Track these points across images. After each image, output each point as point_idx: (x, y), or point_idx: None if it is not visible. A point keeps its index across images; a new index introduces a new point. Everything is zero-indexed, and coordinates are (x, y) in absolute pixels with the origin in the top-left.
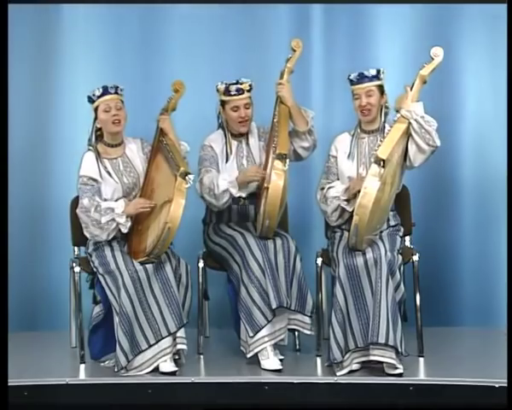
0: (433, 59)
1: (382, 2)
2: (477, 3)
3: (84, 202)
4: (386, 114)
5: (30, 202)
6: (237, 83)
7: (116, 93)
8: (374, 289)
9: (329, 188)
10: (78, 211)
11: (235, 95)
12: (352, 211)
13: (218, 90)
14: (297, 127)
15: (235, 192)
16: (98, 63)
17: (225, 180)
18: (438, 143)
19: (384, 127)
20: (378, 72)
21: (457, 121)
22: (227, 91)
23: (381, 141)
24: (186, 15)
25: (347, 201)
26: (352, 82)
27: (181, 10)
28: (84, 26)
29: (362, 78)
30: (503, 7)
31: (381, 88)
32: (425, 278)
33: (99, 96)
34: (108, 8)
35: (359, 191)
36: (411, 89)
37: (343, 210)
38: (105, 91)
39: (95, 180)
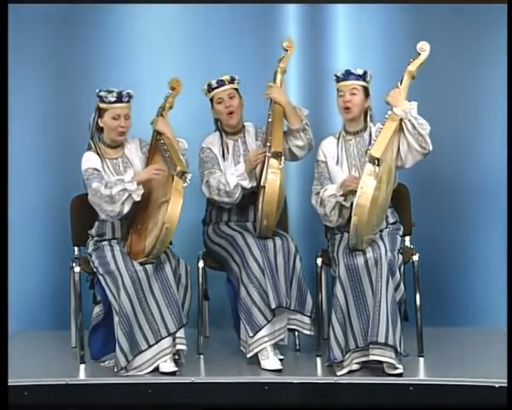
0: (419, 54)
1: (381, 2)
2: (477, 3)
3: (93, 185)
4: (371, 118)
5: (30, 202)
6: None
7: (128, 102)
8: (374, 289)
9: (325, 190)
10: (89, 198)
11: (216, 87)
12: (351, 209)
13: (203, 92)
14: (291, 125)
15: (247, 184)
16: (98, 63)
17: (233, 175)
18: (430, 147)
19: (369, 128)
20: (365, 73)
21: (457, 119)
22: (209, 87)
23: (373, 140)
24: (184, 14)
25: (344, 196)
26: (337, 79)
27: (178, 9)
28: (84, 26)
29: (348, 74)
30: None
31: (366, 90)
32: (425, 278)
33: (111, 102)
34: (105, 8)
35: (355, 191)
36: (400, 84)
37: (341, 208)
38: (119, 99)
39: (99, 171)
